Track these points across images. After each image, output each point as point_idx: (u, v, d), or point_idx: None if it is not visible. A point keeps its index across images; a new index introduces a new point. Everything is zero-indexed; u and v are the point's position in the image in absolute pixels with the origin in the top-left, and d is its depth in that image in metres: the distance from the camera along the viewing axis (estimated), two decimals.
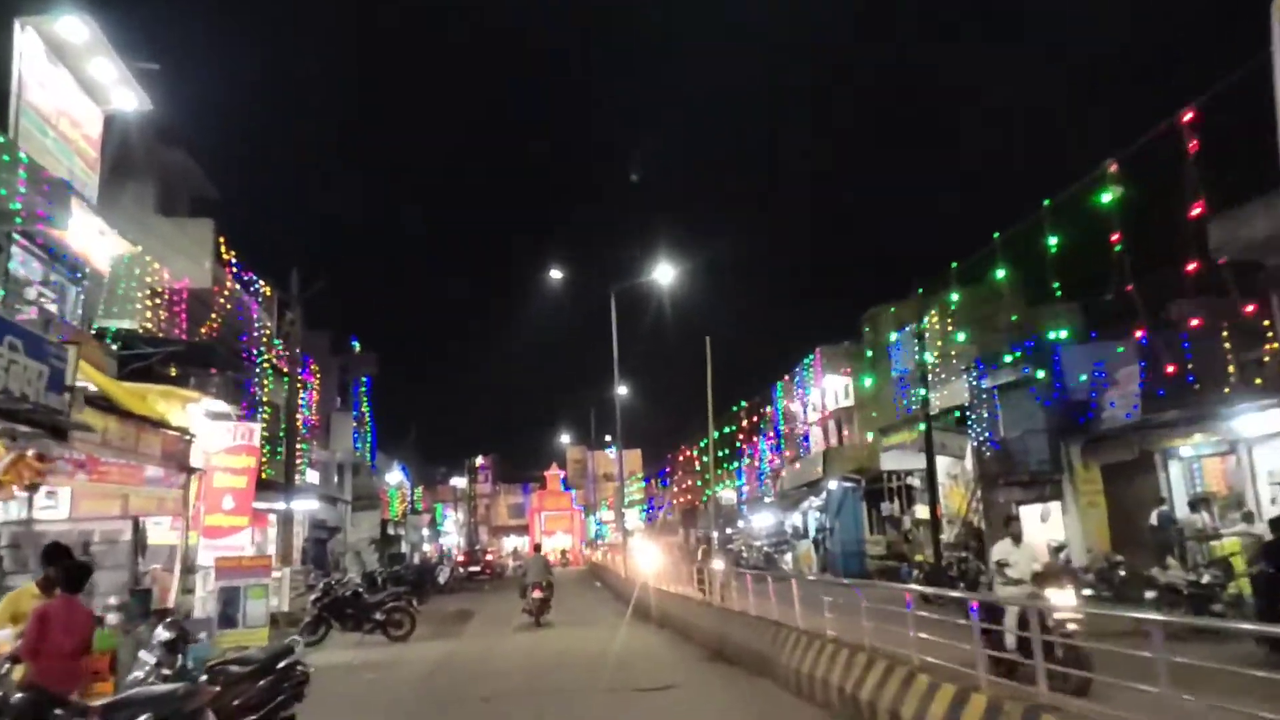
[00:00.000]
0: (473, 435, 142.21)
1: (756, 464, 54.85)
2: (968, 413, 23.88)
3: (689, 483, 53.08)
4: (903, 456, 27.46)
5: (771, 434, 43.62)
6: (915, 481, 27.80)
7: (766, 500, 44.98)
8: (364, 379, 40.57)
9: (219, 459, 16.55)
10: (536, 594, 19.23)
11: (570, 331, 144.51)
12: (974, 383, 23.60)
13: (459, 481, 73.47)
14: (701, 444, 39.24)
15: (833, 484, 31.92)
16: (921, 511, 27.25)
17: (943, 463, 27.07)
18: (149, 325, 17.78)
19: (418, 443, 57.36)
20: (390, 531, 44.98)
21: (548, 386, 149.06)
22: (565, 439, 71.44)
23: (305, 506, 27.17)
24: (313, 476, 33.76)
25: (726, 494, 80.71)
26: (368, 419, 41.06)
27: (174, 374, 18.63)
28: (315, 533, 34.19)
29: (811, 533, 37.06)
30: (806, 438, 38.73)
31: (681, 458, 49.35)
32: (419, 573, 32.34)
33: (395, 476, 50.41)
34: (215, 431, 16.64)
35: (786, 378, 38.18)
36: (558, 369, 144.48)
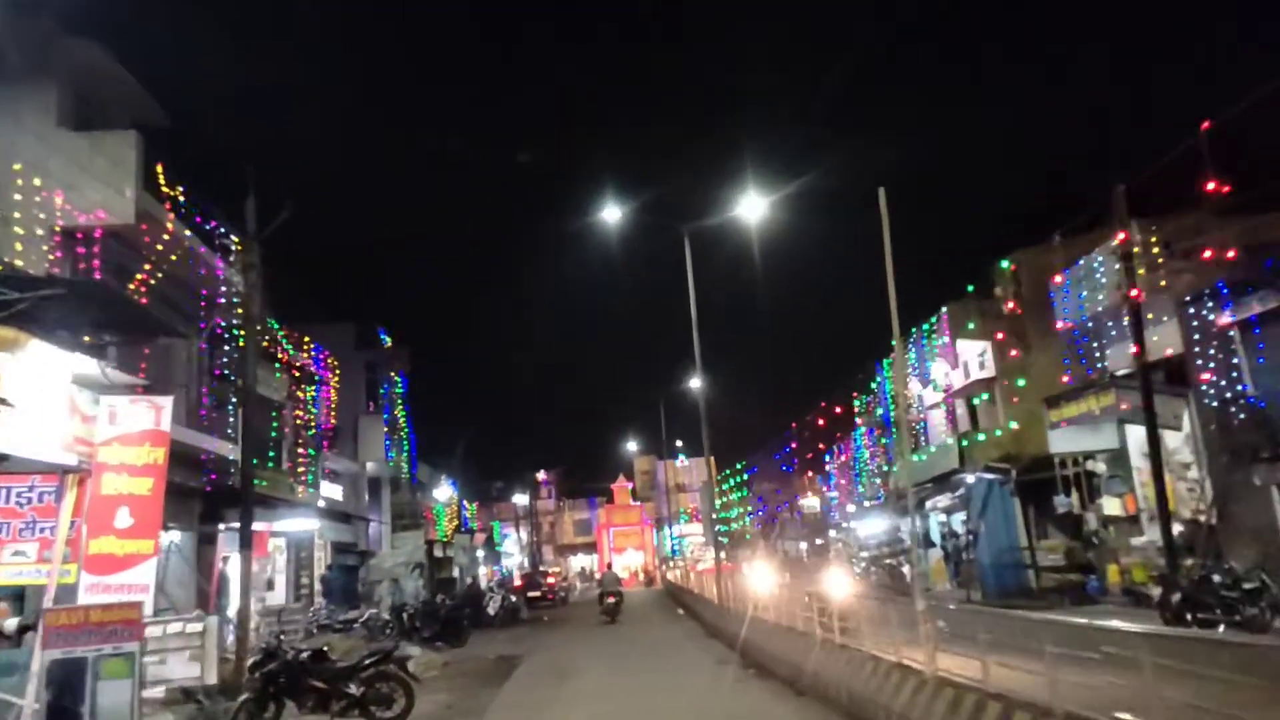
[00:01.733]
0: (532, 447, 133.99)
1: (852, 462, 48.18)
2: (1197, 363, 17.14)
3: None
4: (1079, 434, 20.75)
5: (876, 424, 36.88)
6: (1098, 467, 21.04)
7: (868, 504, 38.23)
8: (398, 379, 35.10)
9: (109, 453, 10.85)
10: (611, 600, 25.87)
11: (633, 316, 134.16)
12: (1203, 319, 16.87)
13: (520, 499, 68.06)
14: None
15: (971, 477, 25.22)
16: (1110, 506, 20.50)
17: (1133, 439, 20.34)
18: (19, 263, 12.29)
19: (469, 455, 52.00)
20: (439, 554, 39.38)
21: (611, 387, 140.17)
22: (632, 446, 65.40)
23: (300, 527, 21.55)
24: (333, 491, 28.28)
25: (809, 500, 74.15)
26: (404, 425, 35.55)
27: (87, 341, 13.12)
28: (341, 558, 28.69)
29: (937, 539, 30.37)
30: (925, 424, 32.00)
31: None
32: (462, 603, 26.54)
33: (444, 492, 44.95)
34: (105, 409, 10.97)
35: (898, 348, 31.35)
36: (621, 365, 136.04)
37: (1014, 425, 24.74)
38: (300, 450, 22.84)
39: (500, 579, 48.39)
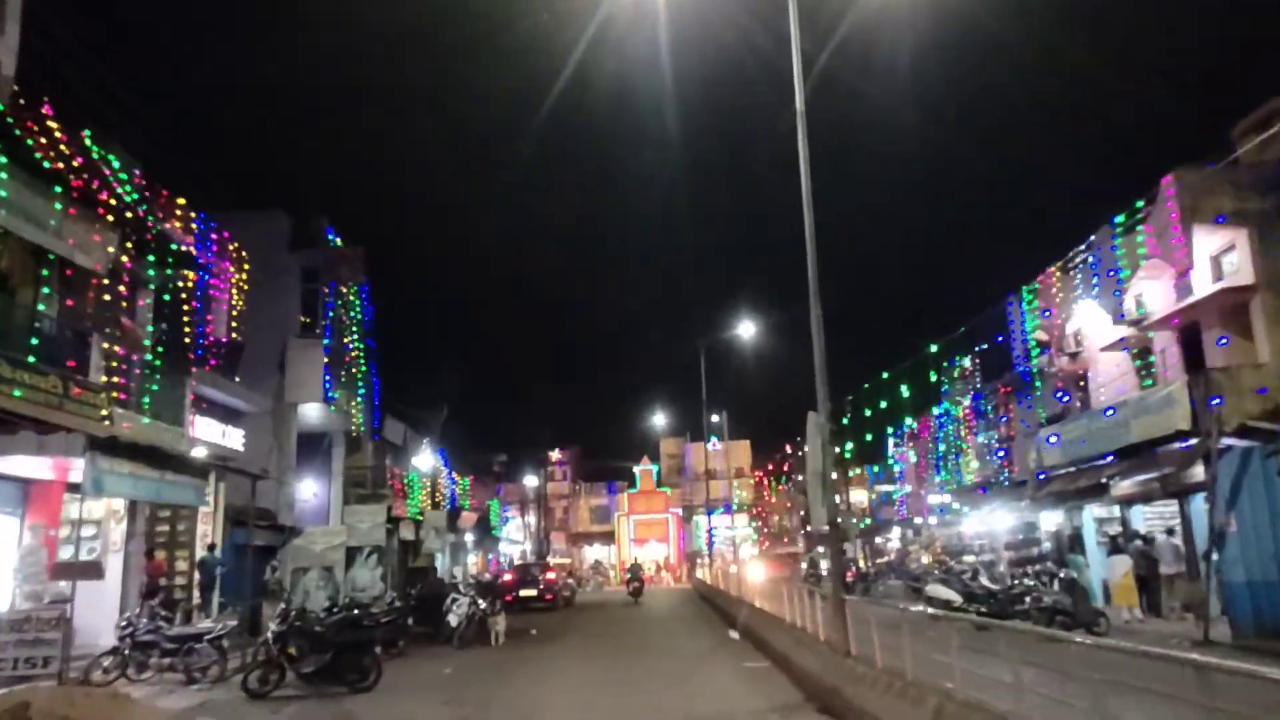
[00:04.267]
0: (544, 419, 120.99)
1: (931, 443, 38.76)
2: None
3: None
4: None
5: (1005, 383, 27.44)
6: None
7: (981, 493, 28.80)
8: (355, 298, 26.15)
9: None
10: (636, 585, 33.74)
11: (670, 250, 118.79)
12: None
13: (531, 481, 59.31)
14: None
15: (1218, 444, 15.77)
16: None
17: None
18: None
19: (464, 418, 43.17)
20: (410, 536, 30.53)
21: (637, 343, 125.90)
22: (660, 421, 56.13)
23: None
24: (226, 436, 19.42)
25: (857, 494, 64.31)
26: (361, 361, 26.62)
27: None
28: (241, 534, 19.82)
29: (1092, 541, 21.08)
30: (1084, 377, 22.57)
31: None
32: (401, 610, 17.70)
33: (427, 460, 36.10)
34: None
35: (1055, 268, 21.76)
36: (649, 317, 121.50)
37: None
38: (122, 353, 13.91)
39: (496, 572, 39.55)
